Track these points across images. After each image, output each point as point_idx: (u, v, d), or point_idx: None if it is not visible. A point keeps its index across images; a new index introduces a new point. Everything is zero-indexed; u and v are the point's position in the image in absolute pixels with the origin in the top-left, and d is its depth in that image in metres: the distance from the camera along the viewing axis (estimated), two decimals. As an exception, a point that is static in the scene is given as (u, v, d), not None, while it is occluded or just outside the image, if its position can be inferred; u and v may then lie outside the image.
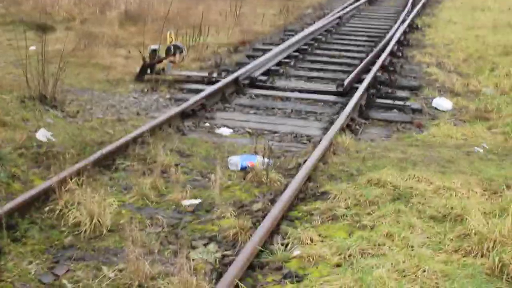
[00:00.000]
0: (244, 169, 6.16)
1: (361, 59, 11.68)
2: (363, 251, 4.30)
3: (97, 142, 6.54)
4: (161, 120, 7.11)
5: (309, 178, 5.69)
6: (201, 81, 9.79)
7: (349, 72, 10.70)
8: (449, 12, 19.00)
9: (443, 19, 17.56)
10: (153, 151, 6.33)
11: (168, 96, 9.07)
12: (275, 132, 7.49)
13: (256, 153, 6.58)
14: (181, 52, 9.84)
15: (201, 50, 12.48)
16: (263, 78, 9.94)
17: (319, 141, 6.80)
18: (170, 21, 15.02)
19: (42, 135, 6.34)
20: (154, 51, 10.03)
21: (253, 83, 9.65)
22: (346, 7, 19.00)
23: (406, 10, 18.65)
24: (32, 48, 9.82)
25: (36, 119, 7.15)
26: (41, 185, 5.12)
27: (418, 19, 17.22)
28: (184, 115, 7.69)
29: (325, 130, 7.48)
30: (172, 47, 9.84)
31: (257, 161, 6.19)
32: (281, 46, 11.91)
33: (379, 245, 4.37)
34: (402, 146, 7.05)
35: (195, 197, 5.46)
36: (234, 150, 6.68)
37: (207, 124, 7.68)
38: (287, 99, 9.06)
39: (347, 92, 9.17)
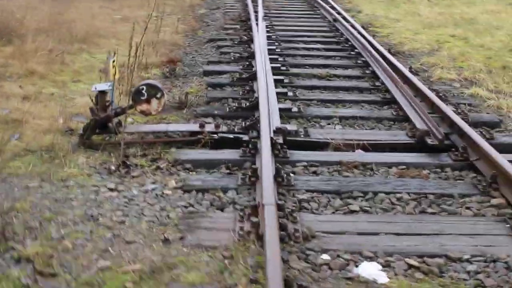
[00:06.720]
0: None
1: (371, 79, 8.44)
2: None
3: None
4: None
5: None
6: (195, 141, 5.92)
7: (379, 103, 7.44)
8: (370, 6, 16.20)
9: (376, 15, 14.71)
10: None
11: (174, 183, 5.00)
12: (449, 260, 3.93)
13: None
14: (160, 96, 5.83)
15: (127, 78, 8.41)
16: (291, 128, 6.25)
17: None
18: (52, 35, 10.79)
19: None
20: (103, 95, 5.99)
21: (285, 139, 5.93)
22: (246, 4, 15.33)
23: (319, 5, 15.65)
24: None
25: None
26: None
27: (348, 16, 14.15)
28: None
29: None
30: (145, 89, 5.79)
31: None
32: (257, 68, 8.18)
33: None
34: None
35: None
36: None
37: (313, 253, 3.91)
38: (365, 167, 5.43)
39: (443, 147, 5.83)
